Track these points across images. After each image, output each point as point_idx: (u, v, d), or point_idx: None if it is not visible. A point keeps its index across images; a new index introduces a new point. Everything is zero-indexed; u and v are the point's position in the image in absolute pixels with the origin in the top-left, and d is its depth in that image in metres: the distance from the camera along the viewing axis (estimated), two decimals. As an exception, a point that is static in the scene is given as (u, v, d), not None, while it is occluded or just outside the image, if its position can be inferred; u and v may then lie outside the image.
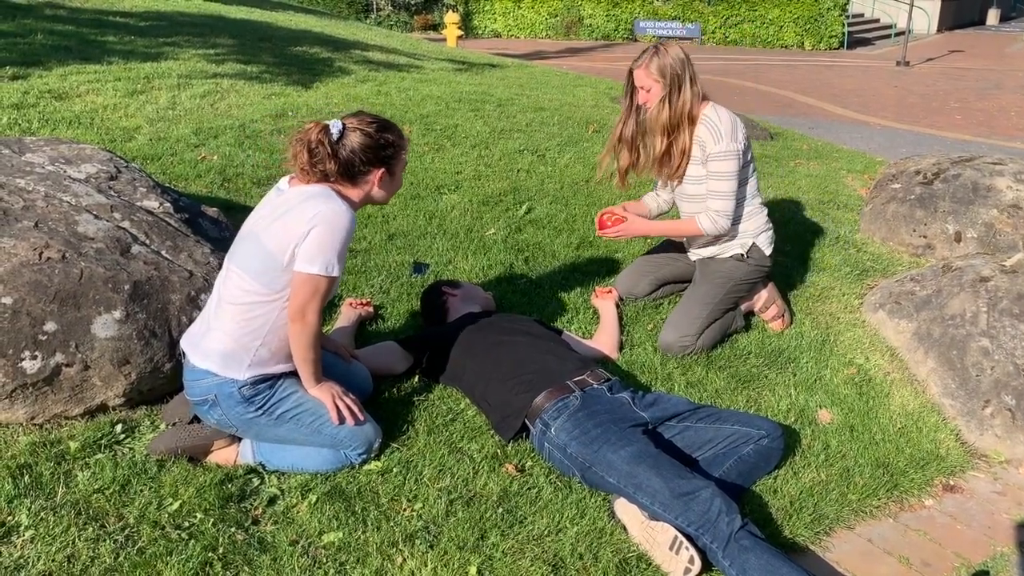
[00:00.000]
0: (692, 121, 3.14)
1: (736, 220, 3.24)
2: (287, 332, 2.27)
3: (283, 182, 2.33)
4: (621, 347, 3.24)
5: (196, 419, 2.49)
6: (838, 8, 20.27)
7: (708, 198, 3.19)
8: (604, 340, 3.21)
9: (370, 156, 2.27)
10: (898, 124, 10.17)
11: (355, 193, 2.32)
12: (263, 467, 2.37)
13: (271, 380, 2.33)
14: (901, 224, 4.53)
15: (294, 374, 2.38)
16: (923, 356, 3.31)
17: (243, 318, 2.25)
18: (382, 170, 2.32)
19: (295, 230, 2.18)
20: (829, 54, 19.40)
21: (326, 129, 2.23)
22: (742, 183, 3.22)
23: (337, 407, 2.35)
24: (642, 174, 3.42)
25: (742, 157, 3.17)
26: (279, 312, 2.26)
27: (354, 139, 2.25)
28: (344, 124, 2.26)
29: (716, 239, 3.31)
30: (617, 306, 3.44)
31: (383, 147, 2.30)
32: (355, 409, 2.38)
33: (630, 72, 3.18)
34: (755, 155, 3.41)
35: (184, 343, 2.36)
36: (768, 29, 20.99)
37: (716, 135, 3.12)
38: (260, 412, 2.30)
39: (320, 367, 2.36)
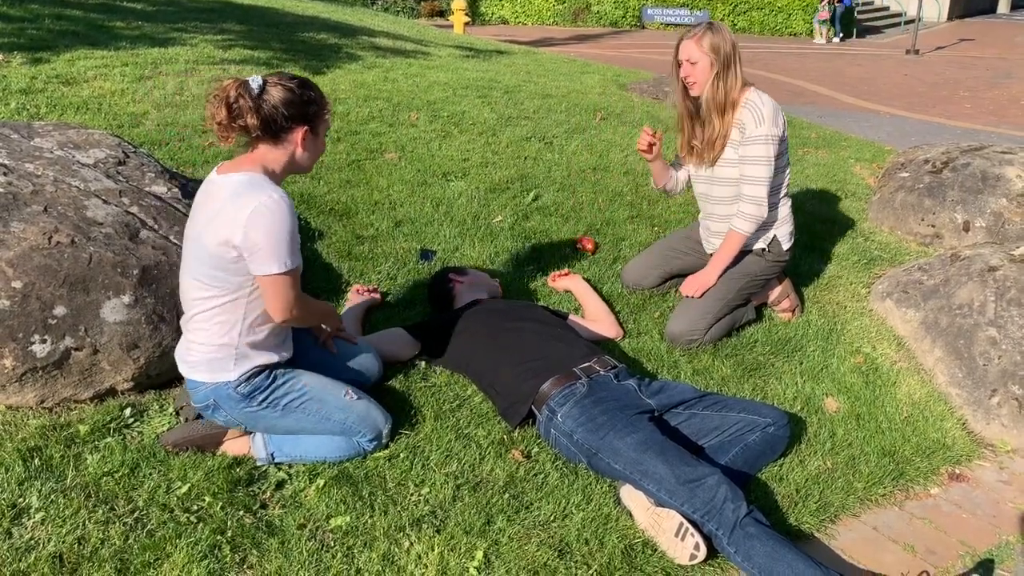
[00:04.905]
0: (733, 106, 3.11)
1: (770, 207, 3.21)
2: (262, 326, 2.27)
3: (212, 173, 2.25)
4: (622, 325, 3.27)
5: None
6: (848, -5, 20.15)
7: (741, 183, 3.15)
8: (604, 324, 3.21)
9: (293, 112, 2.17)
10: (907, 113, 10.12)
11: (280, 157, 2.23)
12: (273, 457, 2.37)
13: (267, 371, 2.31)
14: (909, 213, 4.52)
15: (291, 362, 2.40)
16: (930, 345, 3.30)
17: (212, 323, 2.23)
18: (305, 128, 2.22)
19: (233, 228, 2.10)
20: (839, 42, 19.27)
21: (245, 84, 2.14)
22: (779, 171, 3.18)
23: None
24: (684, 152, 3.36)
25: (779, 145, 3.13)
26: (245, 308, 2.23)
27: (275, 94, 2.15)
28: (264, 79, 2.17)
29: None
30: (586, 280, 3.47)
31: (306, 103, 2.20)
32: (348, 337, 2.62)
33: (677, 46, 3.10)
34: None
35: (176, 357, 2.36)
36: (777, 17, 20.88)
37: (758, 118, 3.07)
38: (264, 406, 2.30)
39: (325, 312, 2.51)
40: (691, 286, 3.29)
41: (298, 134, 2.21)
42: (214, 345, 2.24)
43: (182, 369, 2.31)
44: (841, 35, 19.49)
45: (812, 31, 19.92)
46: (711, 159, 3.21)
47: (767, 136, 3.07)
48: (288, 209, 2.12)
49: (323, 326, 2.58)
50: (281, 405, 2.32)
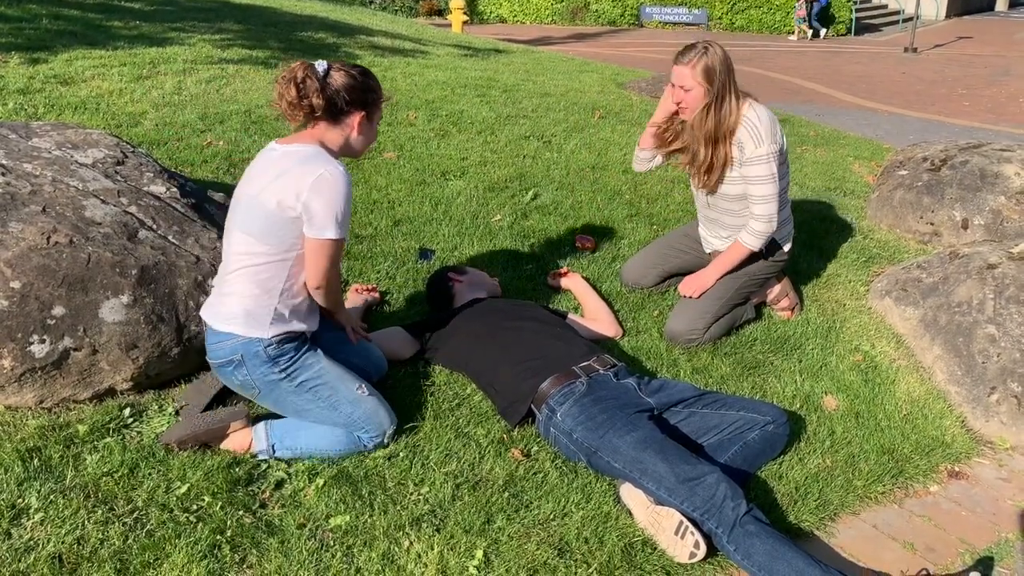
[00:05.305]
0: (730, 134, 3.05)
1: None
2: (300, 292, 2.36)
3: (272, 143, 2.38)
4: (622, 324, 3.27)
5: (208, 408, 2.50)
6: (846, -6, 20.15)
7: (750, 203, 3.12)
8: (603, 323, 3.20)
9: (354, 97, 2.32)
10: (906, 111, 10.12)
11: (336, 138, 2.36)
12: (273, 449, 2.38)
13: (296, 342, 2.38)
14: (908, 211, 4.52)
15: (317, 343, 2.46)
16: (929, 343, 3.30)
17: (256, 280, 2.30)
18: (363, 114, 2.36)
19: (298, 189, 2.22)
20: (836, 40, 19.28)
21: (312, 67, 2.29)
22: (780, 177, 3.14)
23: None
24: (668, 160, 3.36)
25: (779, 156, 3.09)
26: (289, 269, 2.32)
27: (338, 78, 2.30)
28: (329, 64, 2.32)
29: (737, 233, 3.27)
30: (585, 279, 3.47)
31: (366, 90, 2.36)
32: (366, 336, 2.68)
33: (672, 66, 3.04)
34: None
35: (204, 314, 2.40)
36: (775, 15, 20.86)
37: (756, 138, 3.02)
38: (283, 375, 2.35)
39: (340, 299, 2.54)
40: (689, 286, 3.29)
41: (356, 118, 2.36)
42: (255, 299, 2.31)
43: (214, 324, 2.34)
44: (810, 33, 19.50)
45: (793, 29, 19.95)
46: (709, 186, 3.18)
47: (768, 155, 3.03)
48: (348, 183, 2.28)
49: (350, 327, 2.64)
50: (297, 381, 2.37)
